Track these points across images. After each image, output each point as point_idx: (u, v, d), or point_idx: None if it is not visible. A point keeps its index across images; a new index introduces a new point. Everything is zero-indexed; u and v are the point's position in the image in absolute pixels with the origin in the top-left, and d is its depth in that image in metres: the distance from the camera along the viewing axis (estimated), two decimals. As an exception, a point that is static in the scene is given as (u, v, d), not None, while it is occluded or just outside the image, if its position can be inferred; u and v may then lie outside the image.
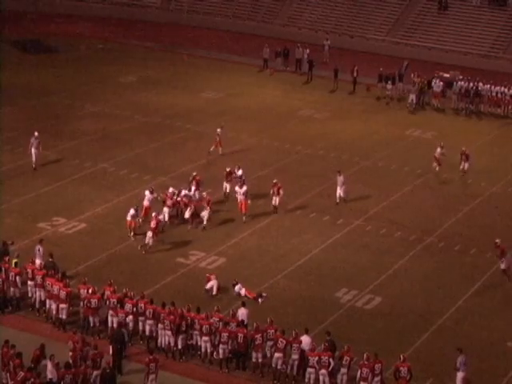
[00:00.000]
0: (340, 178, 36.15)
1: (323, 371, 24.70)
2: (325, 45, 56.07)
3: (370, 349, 25.27)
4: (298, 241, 33.55)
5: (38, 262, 29.16)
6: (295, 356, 25.32)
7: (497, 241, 31.44)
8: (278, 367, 25.30)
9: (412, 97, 48.41)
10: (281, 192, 35.10)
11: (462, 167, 39.85)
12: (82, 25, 61.74)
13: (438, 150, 40.12)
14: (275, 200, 35.18)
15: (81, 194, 36.43)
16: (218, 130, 40.78)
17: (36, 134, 37.94)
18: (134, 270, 30.59)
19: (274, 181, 35.27)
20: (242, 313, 26.92)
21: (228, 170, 36.33)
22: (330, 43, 56.49)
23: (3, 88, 48.28)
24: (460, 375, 24.85)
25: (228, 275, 30.48)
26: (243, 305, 27.27)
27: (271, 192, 35.23)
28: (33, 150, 37.77)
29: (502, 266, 30.91)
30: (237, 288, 29.58)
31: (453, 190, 38.75)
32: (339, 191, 36.21)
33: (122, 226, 33.31)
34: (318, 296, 29.82)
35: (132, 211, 32.73)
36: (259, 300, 29.16)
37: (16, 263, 28.39)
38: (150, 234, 31.95)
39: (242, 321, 26.24)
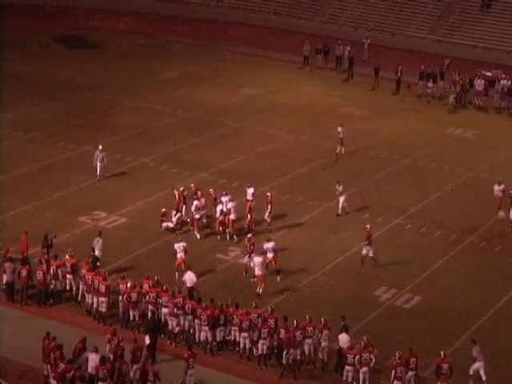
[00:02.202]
0: (339, 189, 34.87)
1: (365, 369, 24.67)
2: (365, 43, 55.73)
3: (410, 347, 25.14)
4: (336, 238, 33.47)
5: (96, 253, 29.66)
6: (325, 343, 25.46)
7: (367, 226, 31.39)
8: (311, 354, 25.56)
9: (452, 97, 47.64)
10: (269, 207, 33.00)
11: None
12: (123, 20, 62.15)
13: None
14: (267, 215, 33.11)
15: (121, 189, 36.69)
16: (339, 128, 40.29)
17: (100, 147, 36.75)
18: (172, 266, 30.68)
19: (268, 194, 33.40)
20: (189, 277, 27.98)
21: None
22: (370, 41, 56.17)
23: (46, 82, 48.87)
24: (476, 365, 25.04)
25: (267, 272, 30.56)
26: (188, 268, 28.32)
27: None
28: (98, 164, 36.60)
29: (365, 252, 31.12)
30: (266, 245, 29.83)
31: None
32: (341, 202, 34.87)
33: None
34: (357, 294, 29.73)
35: (181, 245, 30.00)
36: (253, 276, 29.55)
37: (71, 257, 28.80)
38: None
39: (285, 317, 26.11)
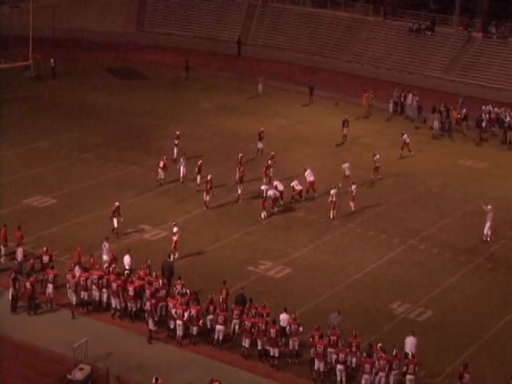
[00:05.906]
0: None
1: (381, 373, 24.74)
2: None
3: (421, 358, 25.08)
4: (356, 256, 33.50)
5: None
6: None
7: None
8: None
9: (436, 123, 47.94)
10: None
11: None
12: (168, 56, 62.80)
13: None
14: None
15: (164, 206, 36.97)
16: (375, 157, 41.05)
17: (183, 156, 39.37)
18: (206, 276, 30.83)
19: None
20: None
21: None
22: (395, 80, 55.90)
23: (99, 109, 49.50)
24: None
25: (293, 284, 30.67)
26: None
27: None
28: (181, 168, 39.02)
29: None
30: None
31: (502, 214, 38.08)
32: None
33: (199, 236, 33.78)
34: (374, 307, 29.73)
35: (175, 229, 32.06)
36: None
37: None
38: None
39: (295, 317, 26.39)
